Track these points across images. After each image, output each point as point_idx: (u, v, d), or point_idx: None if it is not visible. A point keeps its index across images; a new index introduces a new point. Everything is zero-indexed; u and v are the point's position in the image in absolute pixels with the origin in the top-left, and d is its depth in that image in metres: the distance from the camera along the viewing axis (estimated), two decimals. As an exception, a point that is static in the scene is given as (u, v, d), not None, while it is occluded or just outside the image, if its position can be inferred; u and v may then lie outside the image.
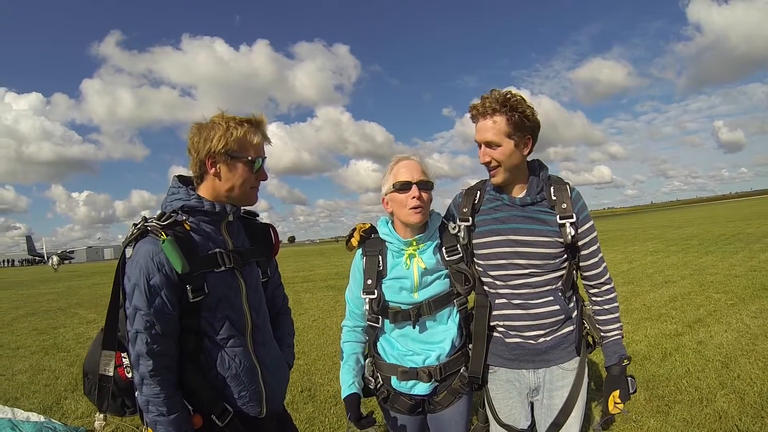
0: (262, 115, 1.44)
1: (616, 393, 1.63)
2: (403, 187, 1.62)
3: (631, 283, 8.57)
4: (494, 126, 1.56)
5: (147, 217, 1.38)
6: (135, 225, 1.37)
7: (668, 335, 5.07)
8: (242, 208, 1.55)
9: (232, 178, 1.41)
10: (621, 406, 1.63)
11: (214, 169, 1.39)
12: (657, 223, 38.23)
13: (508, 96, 1.54)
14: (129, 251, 1.33)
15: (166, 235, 1.28)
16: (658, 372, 3.99)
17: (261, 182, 1.50)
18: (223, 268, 1.39)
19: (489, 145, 1.59)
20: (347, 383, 1.73)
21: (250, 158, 1.41)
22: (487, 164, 1.62)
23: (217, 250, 1.40)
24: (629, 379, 1.65)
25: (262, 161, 1.45)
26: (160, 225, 1.32)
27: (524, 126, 1.57)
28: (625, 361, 1.65)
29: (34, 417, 3.59)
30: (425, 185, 1.64)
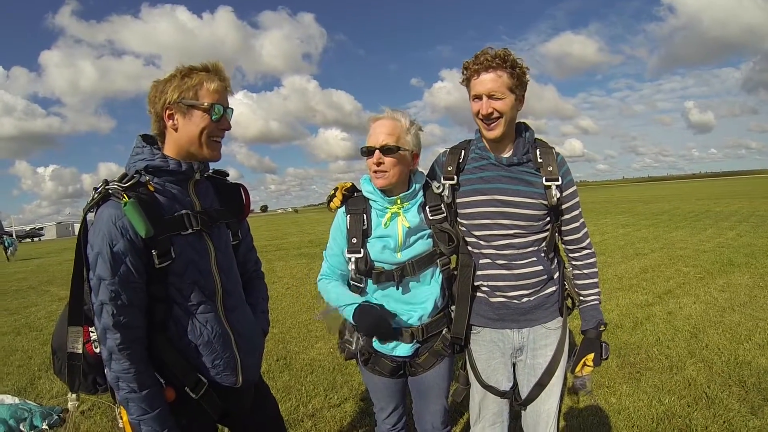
0: (219, 61, 1.37)
1: (590, 356, 1.68)
2: (367, 152, 1.61)
3: (603, 254, 8.79)
4: (499, 79, 1.54)
5: (108, 180, 1.29)
6: (96, 189, 1.28)
7: (639, 305, 5.27)
8: (211, 167, 1.48)
9: (190, 128, 1.33)
10: (589, 369, 1.69)
11: (171, 121, 1.32)
12: (628, 197, 39.30)
13: (509, 54, 1.54)
14: (91, 217, 1.25)
15: (128, 198, 1.20)
16: (630, 340, 4.16)
17: (226, 139, 1.43)
18: (190, 231, 1.33)
19: (492, 96, 1.56)
20: (352, 299, 1.62)
21: (206, 104, 1.32)
22: (488, 116, 1.58)
23: (184, 211, 1.33)
24: (603, 344, 1.71)
25: (224, 110, 1.37)
26: (122, 187, 1.24)
27: (522, 83, 1.59)
28: (601, 326, 1.70)
29: (9, 399, 3.49)
30: (388, 150, 1.58)
